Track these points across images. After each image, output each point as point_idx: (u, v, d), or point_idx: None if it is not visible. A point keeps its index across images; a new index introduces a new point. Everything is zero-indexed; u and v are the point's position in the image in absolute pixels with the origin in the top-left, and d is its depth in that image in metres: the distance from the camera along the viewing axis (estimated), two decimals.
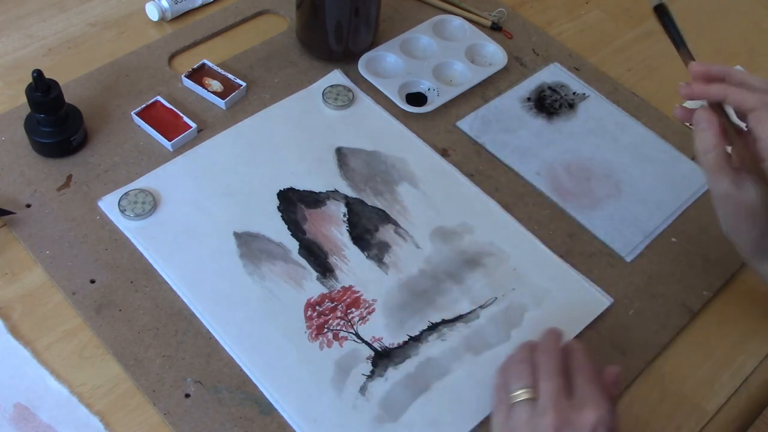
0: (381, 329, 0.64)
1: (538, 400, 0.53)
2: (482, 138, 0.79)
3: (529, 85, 0.85)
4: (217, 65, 0.80)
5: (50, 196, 0.69)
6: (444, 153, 0.77)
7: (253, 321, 0.63)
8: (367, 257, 0.68)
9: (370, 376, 0.61)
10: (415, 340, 0.64)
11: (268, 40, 0.85)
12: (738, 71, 0.60)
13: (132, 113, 0.75)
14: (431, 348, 0.63)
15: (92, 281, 0.64)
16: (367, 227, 0.70)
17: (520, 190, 0.75)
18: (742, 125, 0.59)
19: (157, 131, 0.74)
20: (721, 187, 0.58)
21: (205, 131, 0.76)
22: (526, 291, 0.68)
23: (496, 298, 0.67)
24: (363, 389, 0.61)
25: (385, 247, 0.69)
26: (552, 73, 0.86)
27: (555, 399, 0.52)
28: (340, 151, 0.76)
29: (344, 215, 0.71)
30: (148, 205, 0.69)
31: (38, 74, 0.67)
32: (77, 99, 0.75)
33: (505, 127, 0.80)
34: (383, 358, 0.62)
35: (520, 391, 0.54)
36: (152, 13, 0.84)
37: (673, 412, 0.63)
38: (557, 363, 0.55)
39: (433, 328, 0.65)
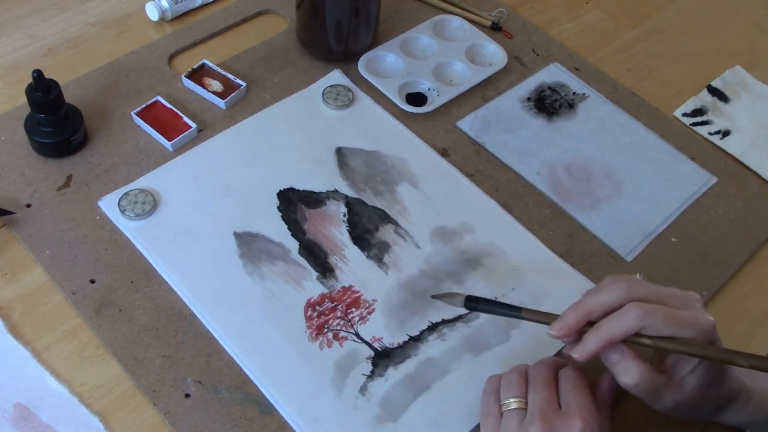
0: (381, 329, 0.64)
1: (527, 410, 0.54)
2: (482, 138, 0.79)
3: (529, 85, 0.85)
4: (217, 65, 0.80)
5: (50, 196, 0.69)
6: (444, 153, 0.77)
7: (253, 321, 0.63)
8: (367, 257, 0.68)
9: (370, 376, 0.61)
10: (415, 340, 0.64)
11: (268, 40, 0.85)
12: (591, 300, 0.53)
13: (132, 113, 0.75)
14: (431, 348, 0.63)
15: (92, 281, 0.64)
16: (367, 227, 0.70)
17: (520, 190, 0.75)
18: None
19: (157, 131, 0.74)
20: (666, 401, 0.53)
21: (205, 131, 0.76)
22: (526, 291, 0.68)
23: (496, 297, 0.67)
24: (363, 389, 0.61)
25: (385, 247, 0.69)
26: (552, 73, 0.86)
27: (542, 409, 0.53)
28: (340, 151, 0.76)
29: (344, 215, 0.71)
30: (148, 205, 0.69)
31: (38, 74, 0.67)
32: (77, 99, 0.75)
33: (505, 127, 0.80)
34: (383, 358, 0.62)
35: (510, 400, 0.55)
36: (152, 13, 0.84)
37: None
38: (547, 375, 0.56)
39: (433, 328, 0.65)
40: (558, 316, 0.54)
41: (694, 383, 0.53)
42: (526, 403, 0.54)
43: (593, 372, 0.57)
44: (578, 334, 0.53)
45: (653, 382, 0.52)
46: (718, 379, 0.54)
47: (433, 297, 0.64)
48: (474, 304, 0.59)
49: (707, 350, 0.51)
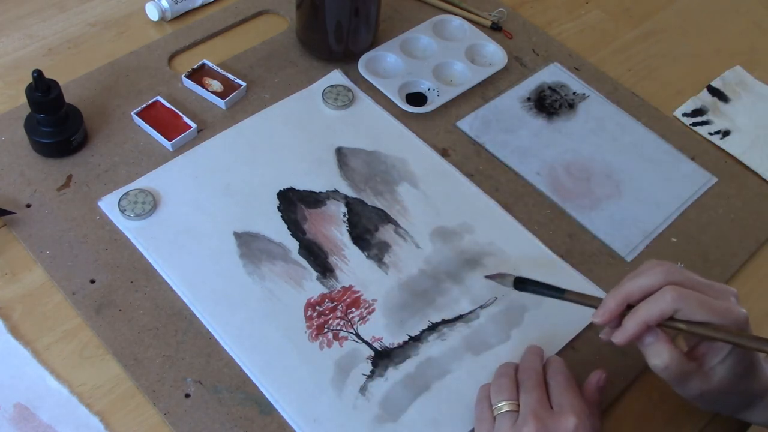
0: (381, 329, 0.64)
1: (519, 411, 0.55)
2: (482, 138, 0.79)
3: (529, 85, 0.85)
4: (217, 65, 0.80)
5: (50, 196, 0.69)
6: (444, 153, 0.77)
7: (253, 321, 0.63)
8: (367, 257, 0.68)
9: (370, 376, 0.61)
10: (415, 340, 0.64)
11: (268, 40, 0.85)
12: (630, 285, 0.54)
13: (132, 113, 0.75)
14: (431, 348, 0.63)
15: (92, 281, 0.64)
16: (367, 227, 0.70)
17: (520, 190, 0.75)
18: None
19: (157, 131, 0.74)
20: (693, 389, 0.54)
21: (205, 131, 0.76)
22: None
23: (496, 298, 0.67)
24: (363, 389, 0.61)
25: (385, 247, 0.69)
26: (552, 73, 0.86)
27: (535, 409, 0.54)
28: (340, 151, 0.76)
29: (344, 215, 0.71)
30: (148, 205, 0.69)
31: (38, 74, 0.67)
32: (77, 99, 0.75)
33: (505, 127, 0.80)
34: (383, 358, 0.62)
35: (502, 404, 0.56)
36: (152, 13, 0.84)
37: (673, 412, 0.63)
38: (537, 377, 0.57)
39: (433, 328, 0.65)
40: (599, 299, 0.55)
41: (724, 373, 0.53)
42: (518, 406, 0.55)
43: (579, 377, 0.58)
44: (619, 319, 0.54)
45: (683, 368, 0.52)
46: (748, 372, 0.54)
47: (486, 277, 0.66)
48: (522, 285, 0.62)
49: (739, 337, 0.51)
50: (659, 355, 0.52)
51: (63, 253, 0.65)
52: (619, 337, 0.53)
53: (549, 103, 0.83)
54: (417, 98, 0.82)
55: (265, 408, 0.59)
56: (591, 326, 0.66)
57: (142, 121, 0.74)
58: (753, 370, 0.55)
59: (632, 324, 0.52)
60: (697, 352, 0.55)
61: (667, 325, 0.52)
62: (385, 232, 0.70)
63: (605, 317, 0.54)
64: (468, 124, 0.80)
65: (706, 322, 0.51)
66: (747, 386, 0.55)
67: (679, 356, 0.52)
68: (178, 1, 0.85)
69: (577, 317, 0.66)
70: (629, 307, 0.54)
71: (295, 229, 0.69)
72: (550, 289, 0.61)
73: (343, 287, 0.66)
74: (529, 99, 0.83)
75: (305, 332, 0.63)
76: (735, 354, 0.53)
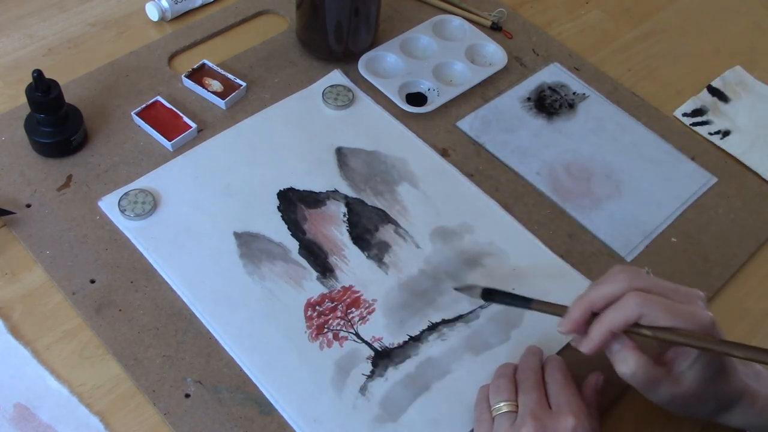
0: (381, 329, 0.64)
1: (518, 412, 0.55)
2: (482, 138, 0.79)
3: (529, 85, 0.85)
4: (217, 65, 0.80)
5: (50, 196, 0.69)
6: (444, 153, 0.77)
7: (253, 321, 0.63)
8: (367, 257, 0.68)
9: (370, 376, 0.61)
10: (415, 340, 0.64)
11: (268, 40, 0.85)
12: (593, 293, 0.54)
13: (132, 113, 0.75)
14: (431, 348, 0.63)
15: (92, 281, 0.64)
16: (367, 227, 0.70)
17: (520, 190, 0.75)
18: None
19: (157, 131, 0.74)
20: (663, 394, 0.53)
21: (205, 131, 0.76)
22: (526, 291, 0.67)
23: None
24: (363, 389, 0.61)
25: (385, 247, 0.69)
26: (552, 73, 0.86)
27: (533, 410, 0.54)
28: (340, 151, 0.76)
29: (344, 215, 0.71)
30: (148, 205, 0.69)
31: (38, 74, 0.67)
32: (77, 99, 0.76)
33: (505, 127, 0.80)
34: (383, 358, 0.62)
35: (501, 404, 0.56)
36: (152, 13, 0.84)
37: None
38: (536, 378, 0.57)
39: (433, 327, 0.65)
40: (566, 307, 0.55)
41: (693, 378, 0.53)
42: (517, 406, 0.55)
43: (578, 377, 0.58)
44: (585, 327, 0.54)
45: (650, 374, 0.52)
46: (718, 376, 0.54)
47: (455, 289, 0.65)
48: (490, 296, 0.61)
49: (704, 341, 0.51)
50: (625, 361, 0.52)
51: (63, 253, 0.66)
52: (586, 345, 0.53)
53: (549, 103, 0.83)
54: (417, 98, 0.82)
55: (265, 408, 0.59)
56: None
57: (142, 121, 0.74)
58: (723, 373, 0.54)
59: (597, 332, 0.52)
60: (665, 357, 0.55)
61: (632, 331, 0.52)
62: (385, 232, 0.70)
63: (570, 326, 0.54)
64: (468, 124, 0.80)
65: (671, 327, 0.51)
66: (719, 389, 0.55)
67: (646, 362, 0.52)
68: (178, 1, 0.85)
69: None
70: (594, 315, 0.53)
71: (295, 229, 0.69)
72: (516, 299, 0.60)
73: (343, 287, 0.66)
74: (529, 99, 0.83)
75: (305, 332, 0.63)
76: (703, 358, 0.53)
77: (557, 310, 0.56)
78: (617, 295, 0.52)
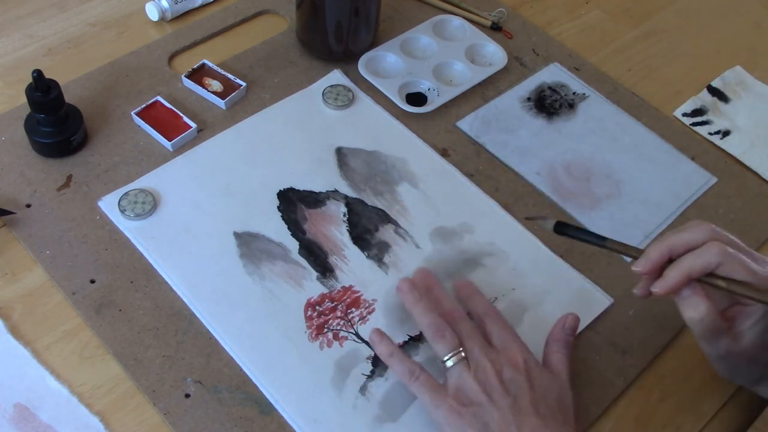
0: (381, 329, 0.64)
1: (468, 358, 0.57)
2: (482, 138, 0.79)
3: (529, 85, 0.85)
4: (217, 65, 0.80)
5: (50, 196, 0.69)
6: (444, 153, 0.77)
7: (253, 321, 0.63)
8: (367, 257, 0.68)
9: (370, 376, 0.61)
10: (415, 339, 0.64)
11: (268, 40, 0.85)
12: (675, 238, 0.55)
13: (132, 113, 0.75)
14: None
15: (92, 281, 0.64)
16: (367, 227, 0.70)
17: (520, 190, 0.75)
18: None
19: (157, 131, 0.74)
20: (720, 348, 0.55)
21: (205, 131, 0.76)
22: (526, 291, 0.68)
23: (496, 298, 0.67)
24: (363, 389, 0.61)
25: (385, 247, 0.69)
26: (552, 73, 0.86)
27: (484, 351, 0.57)
28: (340, 151, 0.76)
29: (344, 215, 0.71)
30: (148, 205, 0.69)
31: (38, 74, 0.67)
32: (77, 99, 0.76)
33: (505, 127, 0.80)
34: None
35: (449, 355, 0.57)
36: (152, 13, 0.84)
37: (673, 412, 0.63)
38: (470, 322, 0.60)
39: None
40: (641, 250, 0.56)
41: (752, 337, 0.54)
42: (463, 353, 0.57)
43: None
44: (659, 271, 0.55)
45: (716, 324, 0.53)
46: None
47: (527, 218, 0.65)
48: (563, 229, 0.61)
49: None
50: (696, 307, 0.53)
51: (63, 253, 0.66)
52: (660, 286, 0.54)
53: (549, 103, 0.83)
54: (417, 98, 0.82)
55: (265, 408, 0.59)
56: (590, 326, 0.66)
57: (142, 121, 0.74)
58: None
59: (675, 274, 0.53)
60: (729, 313, 0.56)
61: (705, 280, 0.53)
62: (385, 232, 0.70)
63: (646, 267, 0.55)
64: (468, 124, 0.80)
65: (746, 282, 0.52)
66: None
67: (714, 312, 0.53)
68: (178, 1, 0.85)
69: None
70: (669, 261, 0.55)
71: (295, 229, 0.69)
72: (590, 236, 0.60)
73: (343, 287, 0.66)
74: (529, 99, 0.83)
75: (305, 332, 0.63)
76: (765, 320, 0.54)
77: (631, 251, 0.57)
78: (699, 243, 0.54)
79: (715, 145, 0.82)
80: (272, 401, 0.59)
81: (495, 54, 0.86)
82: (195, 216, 0.69)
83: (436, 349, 0.58)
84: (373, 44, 0.85)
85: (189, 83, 0.79)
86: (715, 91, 0.88)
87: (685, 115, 0.85)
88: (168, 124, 0.75)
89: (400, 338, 0.64)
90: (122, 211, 0.68)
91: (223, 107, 0.78)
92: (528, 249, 0.71)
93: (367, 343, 0.63)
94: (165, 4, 0.84)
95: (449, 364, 0.57)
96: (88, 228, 0.67)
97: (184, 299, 0.64)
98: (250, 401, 0.59)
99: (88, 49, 0.82)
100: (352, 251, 0.69)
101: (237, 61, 0.82)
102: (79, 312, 0.63)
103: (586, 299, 0.68)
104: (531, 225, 0.72)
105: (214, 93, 0.78)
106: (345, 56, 0.83)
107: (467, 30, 0.88)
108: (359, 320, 0.64)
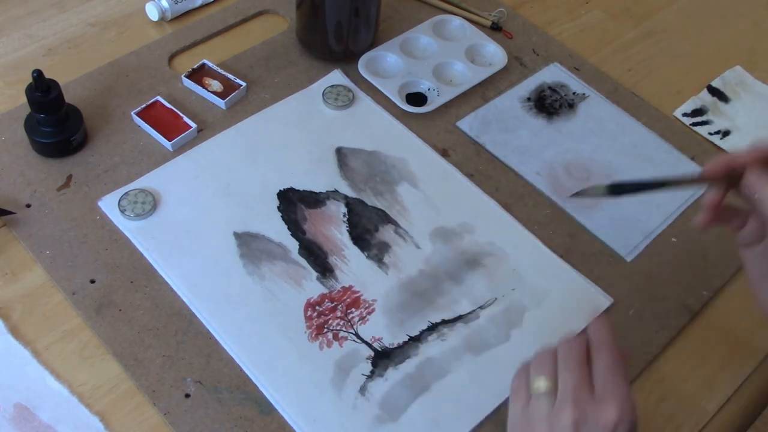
0: (381, 329, 0.64)
1: (557, 392, 0.50)
2: (482, 138, 0.79)
3: (529, 85, 0.85)
4: (217, 65, 0.80)
5: (50, 196, 0.69)
6: (444, 153, 0.77)
7: (253, 321, 0.63)
8: (367, 257, 0.68)
9: (370, 376, 0.61)
10: (415, 340, 0.64)
11: (268, 40, 0.85)
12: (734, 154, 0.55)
13: (132, 113, 0.75)
14: (431, 348, 0.63)
15: (92, 281, 0.64)
16: (367, 227, 0.70)
17: (520, 190, 0.75)
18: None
19: (157, 131, 0.74)
20: None
21: (205, 131, 0.76)
22: (526, 291, 0.68)
23: (496, 298, 0.67)
24: (363, 389, 0.61)
25: (385, 247, 0.69)
26: (552, 73, 0.86)
27: (574, 392, 0.49)
28: (340, 151, 0.76)
29: (344, 215, 0.71)
30: (148, 205, 0.69)
31: (38, 74, 0.67)
32: (77, 99, 0.76)
33: (505, 127, 0.80)
34: (383, 358, 0.62)
35: (540, 379, 0.51)
36: (152, 13, 0.84)
37: (673, 412, 0.63)
38: (579, 352, 0.51)
39: (433, 328, 0.65)
40: (697, 174, 0.56)
41: None
42: (556, 383, 0.50)
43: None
44: (717, 214, 0.55)
45: None
46: None
47: (573, 196, 0.61)
48: (617, 191, 0.57)
49: None
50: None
51: (63, 253, 0.66)
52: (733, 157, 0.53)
53: (549, 103, 0.83)
54: (417, 98, 0.82)
55: (265, 408, 0.59)
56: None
57: (142, 121, 0.74)
58: None
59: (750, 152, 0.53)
60: None
61: None
62: (385, 233, 0.70)
63: (716, 168, 0.54)
64: (468, 124, 0.80)
65: None
66: None
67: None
68: (178, 1, 0.85)
69: (577, 317, 0.66)
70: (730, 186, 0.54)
71: (295, 229, 0.69)
72: (648, 185, 0.57)
73: (343, 287, 0.66)
74: (529, 99, 0.83)
75: (305, 332, 0.63)
76: None
77: (693, 179, 0.57)
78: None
79: (715, 145, 0.82)
80: (272, 401, 0.59)
81: (495, 54, 0.86)
82: (195, 216, 0.69)
83: (532, 367, 0.52)
84: (373, 44, 0.85)
85: (189, 83, 0.79)
86: (715, 91, 0.88)
87: (685, 115, 0.85)
88: (168, 124, 0.75)
89: (400, 338, 0.64)
90: (122, 211, 0.68)
91: (223, 107, 0.78)
92: (528, 249, 0.71)
93: (367, 343, 0.63)
94: (165, 4, 0.84)
95: (534, 390, 0.51)
96: (88, 228, 0.67)
97: (184, 299, 0.64)
98: (250, 401, 0.59)
99: (88, 49, 0.82)
100: (352, 251, 0.69)
101: (237, 61, 0.82)
102: (79, 312, 0.63)
103: (586, 299, 0.68)
104: (531, 225, 0.72)
105: (214, 93, 0.78)
106: (345, 56, 0.83)
107: (467, 30, 0.88)
108: (359, 320, 0.64)
